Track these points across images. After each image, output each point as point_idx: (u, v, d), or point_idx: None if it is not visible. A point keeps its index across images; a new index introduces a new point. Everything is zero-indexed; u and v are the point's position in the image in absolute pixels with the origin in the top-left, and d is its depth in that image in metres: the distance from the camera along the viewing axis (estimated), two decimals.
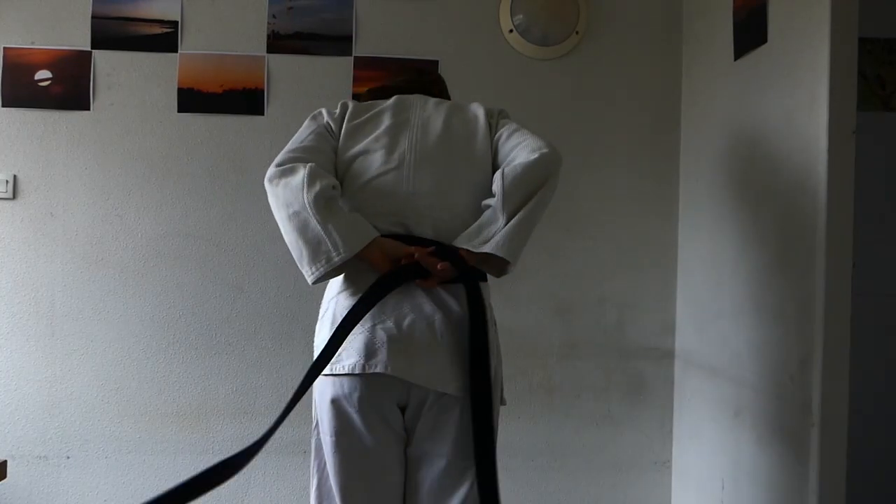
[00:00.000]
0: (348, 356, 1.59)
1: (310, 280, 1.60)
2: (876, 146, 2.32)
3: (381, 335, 1.58)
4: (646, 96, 2.71)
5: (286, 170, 1.62)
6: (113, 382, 2.62)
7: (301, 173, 1.59)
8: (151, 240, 2.62)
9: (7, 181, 2.58)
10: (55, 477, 2.61)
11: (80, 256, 2.61)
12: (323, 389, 1.65)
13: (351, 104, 1.79)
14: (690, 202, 2.63)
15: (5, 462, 2.03)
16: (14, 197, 2.59)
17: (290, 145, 1.71)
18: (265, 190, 1.65)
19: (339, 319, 1.58)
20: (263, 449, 2.50)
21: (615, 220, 2.71)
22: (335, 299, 1.66)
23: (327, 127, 1.75)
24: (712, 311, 2.43)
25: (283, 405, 1.46)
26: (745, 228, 2.21)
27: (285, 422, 1.48)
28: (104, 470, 2.62)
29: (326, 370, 1.59)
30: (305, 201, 1.56)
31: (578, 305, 2.69)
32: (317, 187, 1.57)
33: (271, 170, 1.64)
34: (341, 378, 1.60)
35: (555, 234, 2.65)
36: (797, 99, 1.91)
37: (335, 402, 1.62)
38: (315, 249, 1.57)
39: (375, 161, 1.67)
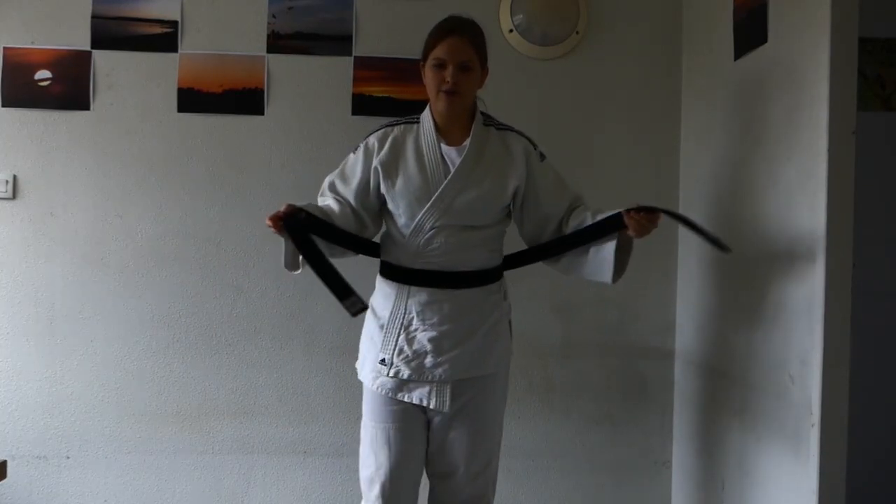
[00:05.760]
0: None
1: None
2: (876, 146, 2.32)
3: None
4: (646, 96, 2.70)
5: None
6: (113, 382, 2.62)
7: None
8: (151, 240, 2.62)
9: (7, 181, 2.58)
10: (55, 477, 2.61)
11: (80, 256, 2.61)
12: None
13: None
14: (690, 201, 2.63)
15: (5, 462, 2.03)
16: (14, 197, 2.59)
17: None
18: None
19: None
20: (263, 449, 2.54)
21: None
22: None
23: None
24: (712, 311, 2.43)
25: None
26: (745, 228, 2.21)
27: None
28: (104, 470, 2.62)
29: None
30: None
31: (578, 305, 2.68)
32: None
33: None
34: None
35: None
36: (797, 99, 1.91)
37: None
38: None
39: None
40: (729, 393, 2.29)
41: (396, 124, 1.97)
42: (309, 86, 2.64)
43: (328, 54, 2.64)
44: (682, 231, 2.68)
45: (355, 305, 1.84)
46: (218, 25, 2.63)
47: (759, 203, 2.12)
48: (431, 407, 1.88)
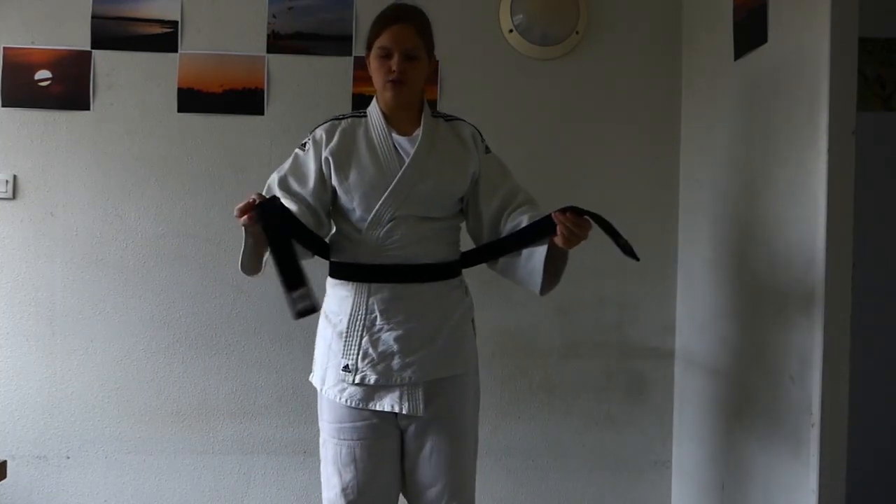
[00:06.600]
0: None
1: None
2: (876, 146, 2.32)
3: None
4: (646, 96, 2.70)
5: None
6: (113, 382, 2.62)
7: None
8: (151, 240, 2.62)
9: (7, 181, 2.58)
10: (55, 477, 2.61)
11: (80, 256, 2.61)
12: None
13: None
14: (690, 201, 2.63)
15: (5, 462, 2.03)
16: (14, 197, 2.59)
17: None
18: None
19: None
20: (263, 449, 2.52)
21: (615, 220, 2.68)
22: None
23: None
24: (712, 311, 2.43)
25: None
26: (745, 228, 2.21)
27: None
28: (104, 470, 2.62)
29: None
30: None
31: (578, 305, 2.68)
32: None
33: None
34: None
35: None
36: (797, 99, 1.91)
37: None
38: None
39: None
40: (729, 393, 2.29)
41: (344, 118, 1.92)
42: (309, 86, 2.64)
43: (328, 54, 2.64)
44: (682, 231, 2.69)
45: (304, 301, 1.62)
46: (218, 25, 2.63)
47: (759, 203, 2.12)
48: (404, 412, 1.77)
